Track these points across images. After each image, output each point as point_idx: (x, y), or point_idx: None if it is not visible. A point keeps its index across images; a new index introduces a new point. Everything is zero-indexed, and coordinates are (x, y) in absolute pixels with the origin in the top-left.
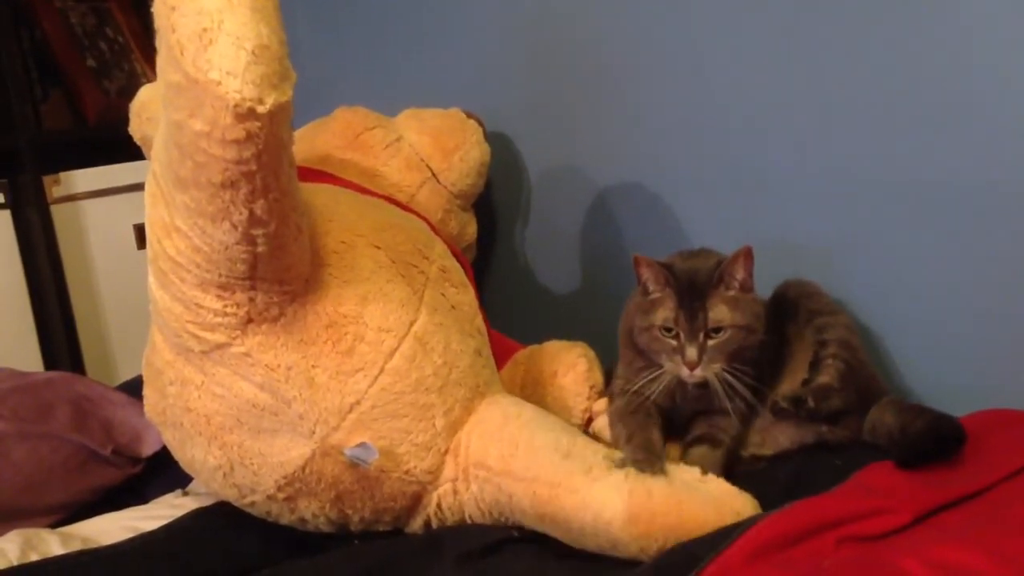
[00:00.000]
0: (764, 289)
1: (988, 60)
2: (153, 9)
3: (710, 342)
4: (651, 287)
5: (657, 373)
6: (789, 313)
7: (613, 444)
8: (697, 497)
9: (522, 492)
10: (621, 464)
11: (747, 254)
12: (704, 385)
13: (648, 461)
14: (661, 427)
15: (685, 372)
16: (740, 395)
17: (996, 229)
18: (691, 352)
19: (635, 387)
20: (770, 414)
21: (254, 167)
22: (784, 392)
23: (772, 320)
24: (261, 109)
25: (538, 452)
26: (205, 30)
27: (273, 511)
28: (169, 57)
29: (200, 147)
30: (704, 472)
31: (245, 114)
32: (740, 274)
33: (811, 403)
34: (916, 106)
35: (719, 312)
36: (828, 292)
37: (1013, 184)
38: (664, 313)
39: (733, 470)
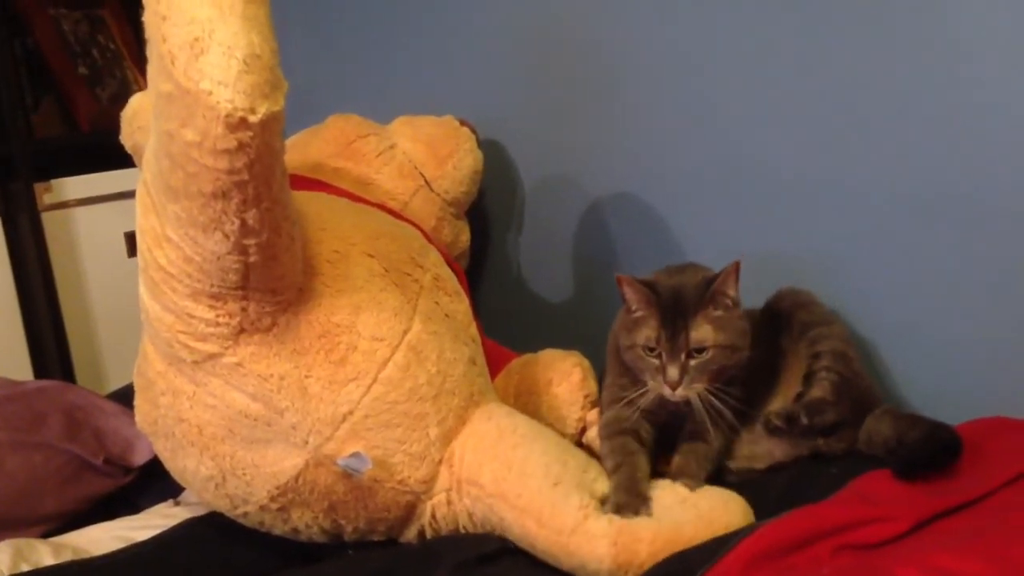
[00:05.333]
0: (758, 299)
1: (983, 71)
2: (144, 19)
3: (692, 362)
4: (634, 306)
5: (642, 391)
6: (783, 324)
7: (602, 462)
8: (685, 523)
9: (513, 520)
10: (605, 501)
11: (736, 269)
12: (687, 404)
13: (631, 505)
14: (649, 451)
15: (667, 391)
16: (723, 415)
17: (992, 238)
18: (672, 372)
19: (624, 401)
20: (764, 430)
21: (246, 177)
22: (777, 407)
23: (765, 332)
24: (253, 119)
25: (529, 480)
26: (196, 39)
27: (266, 521)
28: (160, 67)
29: (191, 157)
30: (694, 471)
31: (237, 124)
32: (732, 291)
33: (804, 420)
34: (911, 116)
35: (702, 332)
36: (823, 301)
37: (1009, 194)
38: (647, 332)
39: (726, 480)
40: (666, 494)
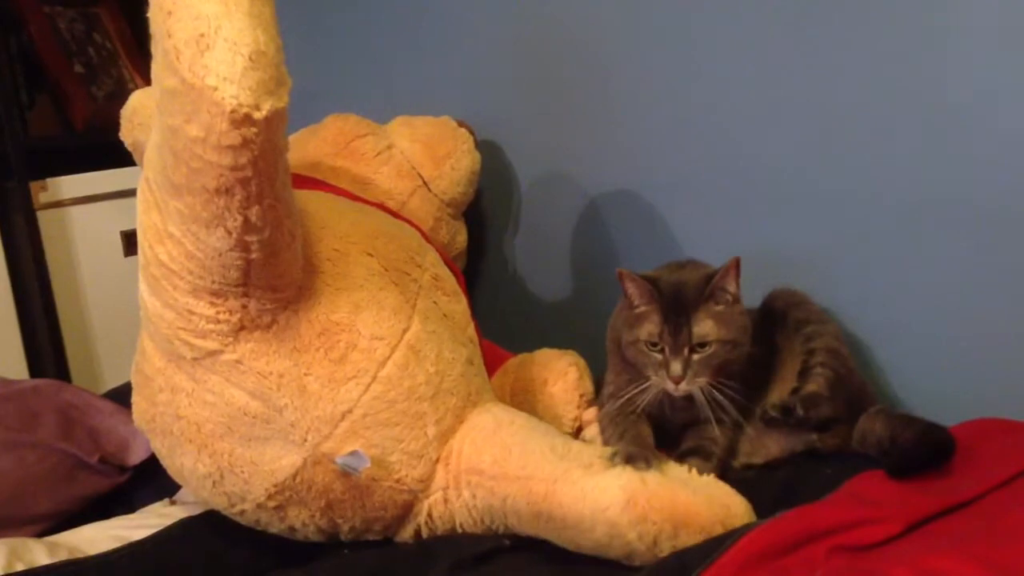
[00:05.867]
0: (753, 298)
1: (974, 76)
2: (149, 14)
3: (695, 356)
4: (636, 301)
5: (644, 385)
6: (778, 322)
7: (605, 444)
8: (690, 488)
9: (517, 491)
10: (615, 457)
11: (736, 265)
12: (690, 398)
13: (642, 455)
14: (650, 428)
15: (671, 386)
16: (725, 409)
17: (986, 239)
18: (676, 367)
19: (624, 398)
20: (760, 423)
21: (249, 173)
22: (773, 401)
23: (761, 329)
24: (257, 115)
25: (533, 453)
26: (202, 35)
27: (263, 520)
28: (165, 62)
29: (195, 153)
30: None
31: (241, 120)
32: (732, 287)
33: (800, 411)
34: (904, 118)
35: (704, 327)
36: (817, 301)
37: (1002, 197)
38: (649, 328)
39: (724, 479)
40: (677, 469)
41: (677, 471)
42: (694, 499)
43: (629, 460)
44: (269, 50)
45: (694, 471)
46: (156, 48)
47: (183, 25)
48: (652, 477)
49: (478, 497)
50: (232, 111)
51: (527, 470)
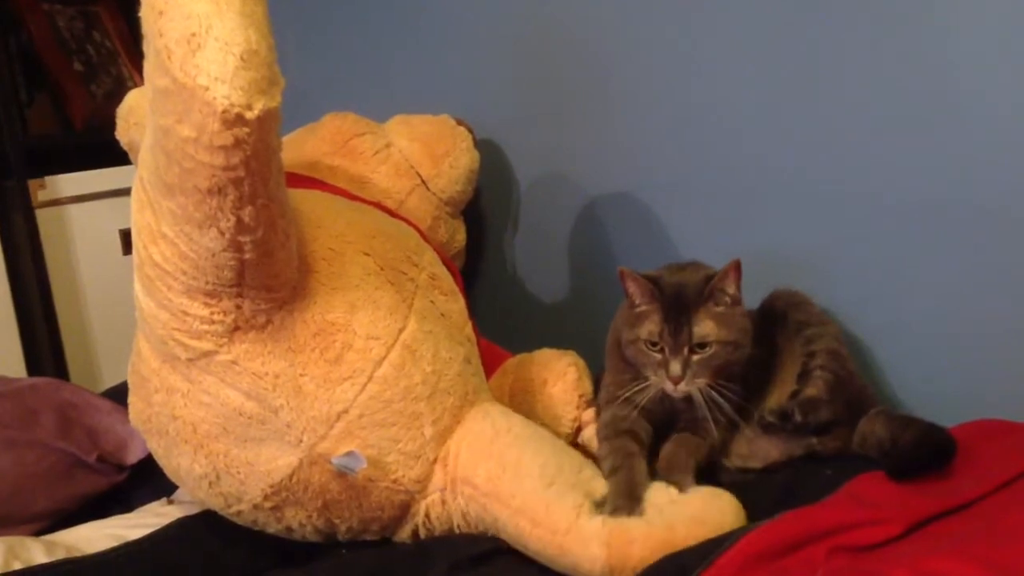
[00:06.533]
0: (753, 299)
1: (974, 76)
2: (140, 13)
3: (695, 357)
4: (637, 300)
5: (643, 385)
6: (778, 323)
7: (600, 460)
8: (678, 524)
9: (507, 520)
10: (601, 505)
11: (736, 267)
12: (689, 399)
13: (627, 508)
14: (647, 451)
15: (669, 386)
16: (723, 410)
17: (984, 238)
18: (675, 367)
19: (623, 396)
20: (758, 427)
21: (242, 173)
22: (772, 405)
23: (761, 330)
24: (249, 115)
25: (524, 480)
26: (193, 35)
27: (259, 520)
28: (156, 62)
29: (187, 153)
30: (683, 463)
31: (233, 120)
32: (731, 288)
33: (798, 417)
34: (904, 118)
35: (704, 327)
36: (817, 301)
37: (1002, 197)
38: (650, 327)
39: (721, 481)
40: (658, 495)
41: (662, 497)
42: (686, 535)
43: (615, 514)
44: (261, 49)
45: (676, 493)
46: (148, 48)
47: (174, 25)
48: (636, 529)
49: (471, 509)
50: (224, 111)
51: (516, 500)
